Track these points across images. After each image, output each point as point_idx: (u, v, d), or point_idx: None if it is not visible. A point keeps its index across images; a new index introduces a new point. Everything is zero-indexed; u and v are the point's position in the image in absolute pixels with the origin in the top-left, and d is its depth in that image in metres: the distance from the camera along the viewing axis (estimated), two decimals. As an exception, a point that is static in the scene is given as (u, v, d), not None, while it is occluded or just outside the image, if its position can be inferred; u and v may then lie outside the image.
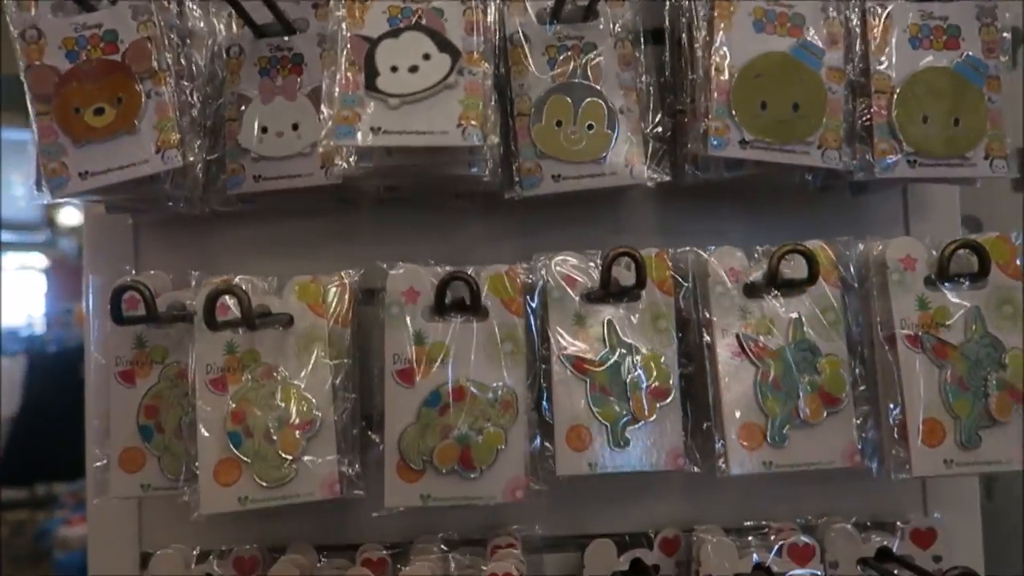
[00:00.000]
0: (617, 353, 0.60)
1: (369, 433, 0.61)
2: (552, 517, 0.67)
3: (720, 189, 0.66)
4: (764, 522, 0.68)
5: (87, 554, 0.68)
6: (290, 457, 0.57)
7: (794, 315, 0.60)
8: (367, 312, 0.63)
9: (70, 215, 7.45)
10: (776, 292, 0.60)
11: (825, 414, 0.59)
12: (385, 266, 0.59)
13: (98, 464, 0.60)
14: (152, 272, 0.63)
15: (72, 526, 3.25)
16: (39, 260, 7.77)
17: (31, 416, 4.48)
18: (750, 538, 0.65)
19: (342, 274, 0.61)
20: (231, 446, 0.57)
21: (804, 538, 0.64)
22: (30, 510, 5.19)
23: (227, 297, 0.55)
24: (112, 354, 0.61)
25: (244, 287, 0.55)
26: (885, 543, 0.66)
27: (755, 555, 0.63)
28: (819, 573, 0.63)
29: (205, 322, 0.55)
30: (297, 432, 0.57)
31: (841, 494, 0.69)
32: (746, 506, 0.69)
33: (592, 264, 0.61)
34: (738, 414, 0.59)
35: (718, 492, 0.69)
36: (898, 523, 0.67)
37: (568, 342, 0.59)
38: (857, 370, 0.61)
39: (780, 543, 0.64)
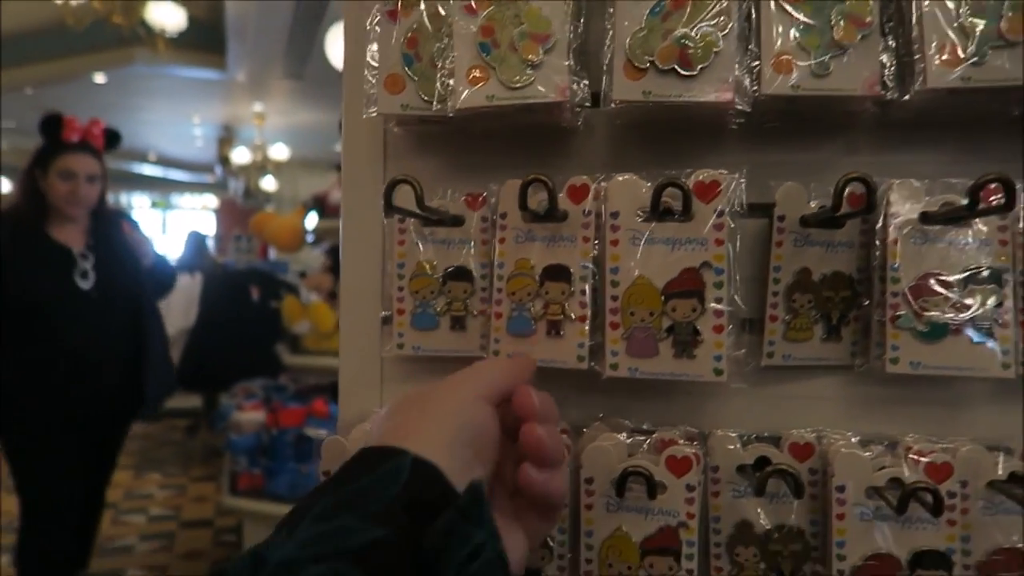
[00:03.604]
0: (822, -6, 0.66)
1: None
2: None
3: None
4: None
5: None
6: (531, 62, 0.67)
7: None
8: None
9: (241, 154, 8.01)
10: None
11: (1025, 32, 0.62)
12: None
13: (366, 88, 0.72)
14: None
15: (244, 412, 3.55)
16: (211, 201, 8.37)
17: (206, 328, 4.86)
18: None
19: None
20: (481, 54, 0.68)
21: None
22: (200, 416, 5.74)
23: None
24: (378, -3, 0.73)
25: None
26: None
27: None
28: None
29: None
30: (537, 44, 0.67)
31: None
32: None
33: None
34: (937, 31, 0.63)
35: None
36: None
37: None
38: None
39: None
